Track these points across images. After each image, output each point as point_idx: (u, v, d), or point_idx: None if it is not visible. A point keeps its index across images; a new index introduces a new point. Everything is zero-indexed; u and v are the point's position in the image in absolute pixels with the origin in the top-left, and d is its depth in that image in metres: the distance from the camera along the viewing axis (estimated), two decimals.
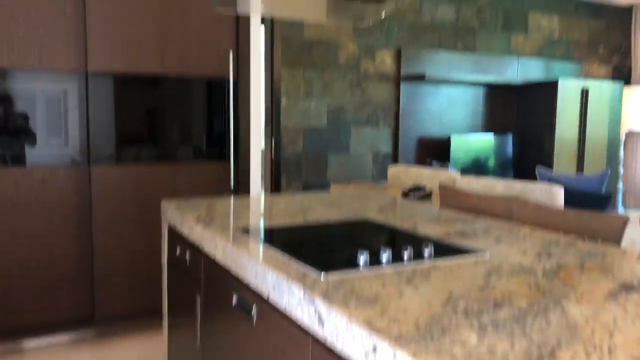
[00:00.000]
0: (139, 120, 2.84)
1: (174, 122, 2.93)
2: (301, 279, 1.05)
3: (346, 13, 2.24)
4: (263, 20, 4.30)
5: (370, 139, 4.76)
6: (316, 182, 4.61)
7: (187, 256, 1.73)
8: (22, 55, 2.57)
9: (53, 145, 2.69)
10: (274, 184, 4.56)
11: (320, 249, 1.30)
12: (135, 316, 2.92)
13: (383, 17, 4.65)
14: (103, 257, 2.82)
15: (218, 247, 1.43)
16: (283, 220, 1.69)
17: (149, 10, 2.80)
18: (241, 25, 3.03)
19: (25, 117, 2.61)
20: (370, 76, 4.70)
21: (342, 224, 1.62)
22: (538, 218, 1.81)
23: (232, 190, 3.11)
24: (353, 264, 1.16)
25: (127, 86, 2.80)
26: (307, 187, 4.58)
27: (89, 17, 2.67)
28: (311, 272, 1.10)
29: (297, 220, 1.69)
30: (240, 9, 2.24)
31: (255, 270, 1.20)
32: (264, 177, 4.67)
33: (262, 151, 3.36)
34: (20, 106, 2.59)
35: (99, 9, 2.69)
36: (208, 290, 1.55)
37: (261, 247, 1.31)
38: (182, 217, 1.76)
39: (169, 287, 2.03)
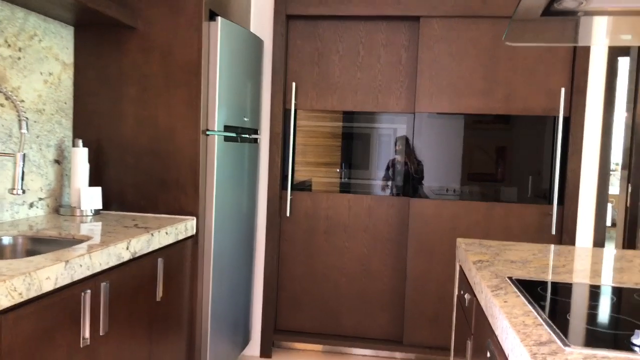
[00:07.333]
0: (457, 156, 2.88)
1: (496, 160, 2.86)
2: (536, 347, 0.89)
3: None
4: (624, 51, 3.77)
5: None
6: None
7: (466, 296, 1.67)
8: (363, 101, 2.96)
9: (380, 176, 2.99)
10: (628, 238, 3.90)
11: (593, 317, 1.07)
12: (442, 348, 2.94)
13: None
14: (414, 285, 2.95)
15: (482, 293, 1.33)
16: (575, 277, 1.45)
17: (478, 50, 2.83)
18: (579, 57, 2.75)
19: (363, 151, 2.98)
20: None
21: None
22: None
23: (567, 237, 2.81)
24: (624, 344, 0.91)
25: (451, 125, 2.88)
26: None
27: (420, 63, 2.88)
28: (554, 342, 0.92)
29: (593, 280, 1.43)
30: (582, 39, 2.05)
31: (501, 326, 1.07)
32: (615, 229, 4.04)
33: (611, 198, 2.94)
34: (359, 141, 2.98)
35: (429, 55, 2.87)
36: (475, 337, 1.46)
37: (517, 302, 1.16)
38: (466, 256, 1.71)
39: (456, 327, 1.98)
